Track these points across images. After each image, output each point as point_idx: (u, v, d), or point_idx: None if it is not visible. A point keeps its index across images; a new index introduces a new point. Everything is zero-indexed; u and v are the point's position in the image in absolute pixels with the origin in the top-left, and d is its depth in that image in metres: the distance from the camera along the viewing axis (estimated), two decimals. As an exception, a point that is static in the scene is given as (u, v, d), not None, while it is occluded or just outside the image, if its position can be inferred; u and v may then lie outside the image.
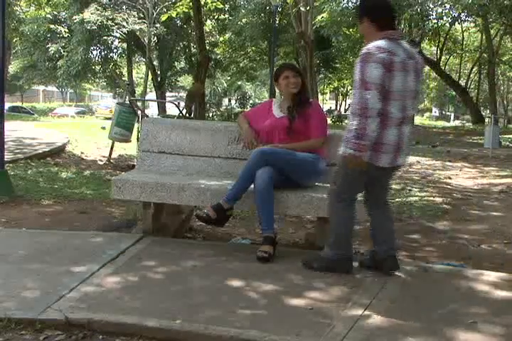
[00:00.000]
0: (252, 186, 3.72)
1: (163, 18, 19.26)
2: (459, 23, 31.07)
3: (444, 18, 25.50)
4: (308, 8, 19.44)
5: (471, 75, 40.22)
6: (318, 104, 4.26)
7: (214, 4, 18.16)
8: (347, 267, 3.47)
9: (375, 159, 3.23)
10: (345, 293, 3.15)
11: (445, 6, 23.30)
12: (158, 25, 24.99)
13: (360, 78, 3.06)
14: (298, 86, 4.03)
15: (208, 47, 22.71)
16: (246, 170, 3.75)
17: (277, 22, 26.88)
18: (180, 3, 18.61)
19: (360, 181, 3.39)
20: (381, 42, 3.08)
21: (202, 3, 17.97)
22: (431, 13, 25.07)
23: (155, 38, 27.02)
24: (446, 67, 40.12)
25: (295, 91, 4.02)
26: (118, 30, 25.64)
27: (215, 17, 29.52)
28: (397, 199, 6.44)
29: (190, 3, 17.49)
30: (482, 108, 40.91)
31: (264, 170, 3.68)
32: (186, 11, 18.89)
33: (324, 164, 3.96)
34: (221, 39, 32.39)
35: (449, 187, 7.83)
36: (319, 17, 24.27)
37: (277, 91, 4.66)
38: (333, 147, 4.02)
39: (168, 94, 39.16)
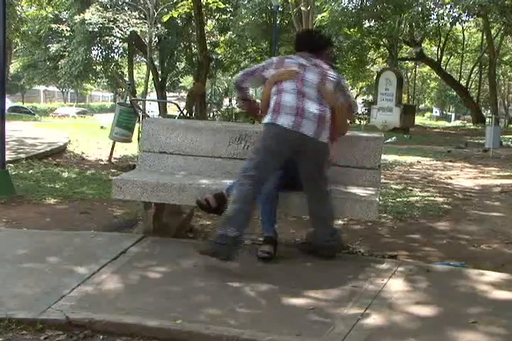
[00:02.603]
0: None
1: (165, 19, 19.25)
2: (459, 23, 31.07)
3: (445, 18, 25.47)
4: (309, 7, 19.42)
5: (472, 75, 40.21)
6: None
7: (215, 4, 18.15)
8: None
9: (275, 119, 3.56)
10: (346, 293, 3.15)
11: (446, 6, 23.28)
12: (159, 25, 24.99)
13: None
14: None
15: (208, 47, 22.72)
16: None
17: (278, 22, 26.87)
18: (182, 4, 18.60)
19: (271, 160, 3.54)
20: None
21: (203, 3, 17.97)
22: (432, 13, 25.07)
23: (156, 38, 26.99)
24: (447, 67, 40.15)
25: None
26: (119, 31, 25.59)
27: (216, 17, 29.51)
28: (398, 199, 6.44)
29: (191, 4, 17.50)
30: (483, 108, 40.89)
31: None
32: (188, 11, 18.89)
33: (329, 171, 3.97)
34: (222, 39, 32.39)
35: (449, 187, 7.82)
36: (319, 16, 24.28)
37: None
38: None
39: (169, 94, 39.15)
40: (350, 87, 4.59)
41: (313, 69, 3.73)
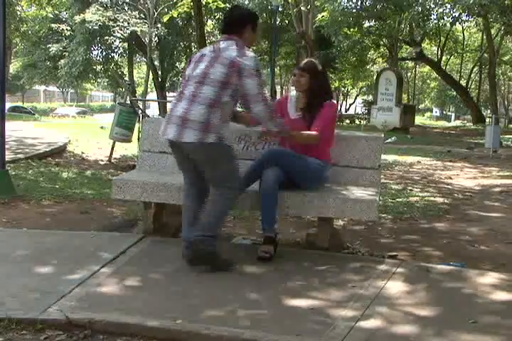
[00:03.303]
0: (254, 185, 3.73)
1: (165, 19, 19.24)
2: (459, 23, 31.09)
3: (445, 18, 25.48)
4: (309, 6, 19.45)
5: (472, 75, 40.24)
6: (330, 105, 3.95)
7: (215, 4, 18.14)
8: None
9: None
10: (346, 293, 3.15)
11: (446, 6, 23.28)
12: (159, 25, 24.99)
13: None
14: (300, 86, 3.92)
15: (208, 47, 22.67)
16: (254, 167, 3.75)
17: (278, 22, 26.91)
18: (182, 4, 18.59)
19: (179, 164, 3.69)
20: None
21: (203, 3, 17.97)
22: (432, 13, 25.07)
23: (156, 38, 26.99)
24: (447, 67, 40.16)
25: (297, 90, 3.99)
26: (119, 31, 25.57)
27: (216, 17, 29.51)
28: (398, 199, 6.44)
29: (191, 3, 17.50)
30: (483, 108, 40.91)
31: (272, 170, 3.67)
32: (187, 10, 18.89)
33: (330, 171, 3.97)
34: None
35: (449, 187, 7.82)
36: (319, 16, 24.28)
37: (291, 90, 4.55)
38: (337, 149, 4.04)
39: (169, 94, 39.14)
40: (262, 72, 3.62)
41: (207, 59, 3.44)
